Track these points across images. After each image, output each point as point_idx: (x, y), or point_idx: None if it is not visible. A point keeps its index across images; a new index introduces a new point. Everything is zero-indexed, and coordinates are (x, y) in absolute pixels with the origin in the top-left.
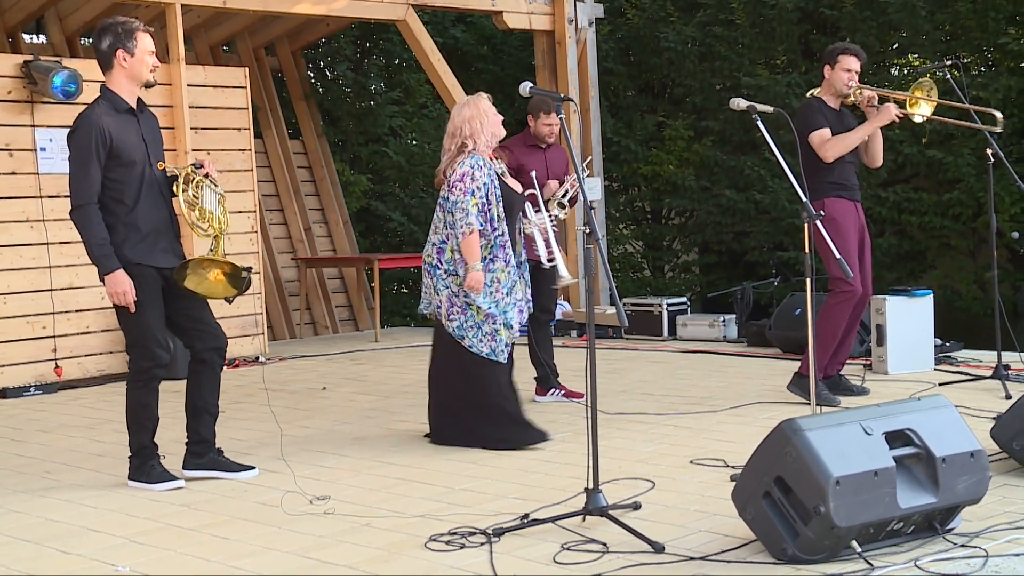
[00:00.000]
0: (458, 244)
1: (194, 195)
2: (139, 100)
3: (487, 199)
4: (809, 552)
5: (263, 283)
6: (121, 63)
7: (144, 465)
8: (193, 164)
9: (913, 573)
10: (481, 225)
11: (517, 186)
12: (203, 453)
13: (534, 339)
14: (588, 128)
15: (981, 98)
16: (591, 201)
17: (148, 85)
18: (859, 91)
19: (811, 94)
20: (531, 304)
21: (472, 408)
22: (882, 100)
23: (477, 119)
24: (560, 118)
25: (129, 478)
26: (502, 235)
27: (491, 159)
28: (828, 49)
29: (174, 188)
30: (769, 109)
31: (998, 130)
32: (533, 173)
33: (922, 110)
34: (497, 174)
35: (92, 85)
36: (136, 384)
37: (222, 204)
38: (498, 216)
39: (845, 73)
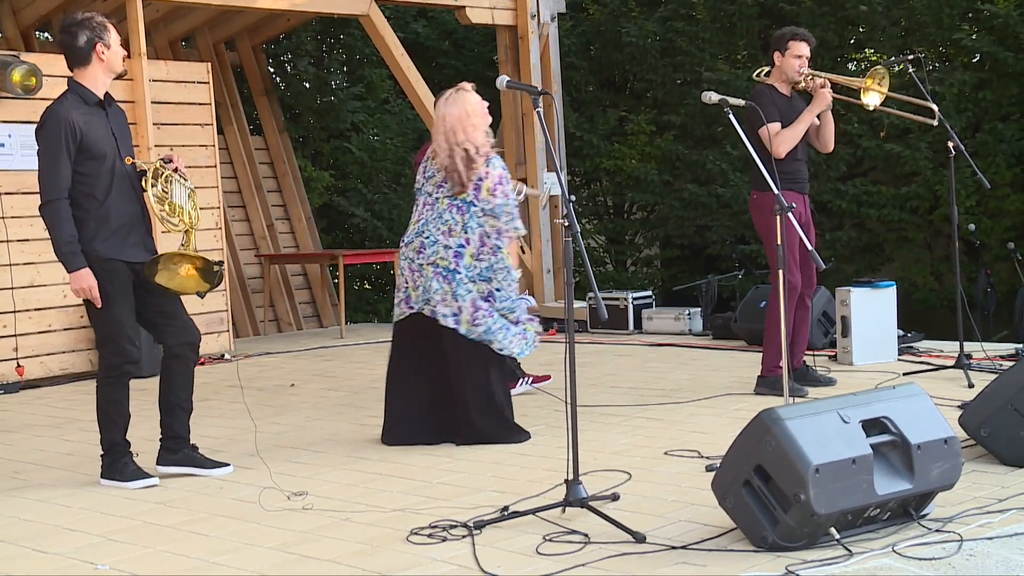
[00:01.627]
0: (499, 251)
1: (163, 190)
2: (107, 94)
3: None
4: (789, 539)
5: (227, 280)
6: (100, 56)
7: (117, 463)
8: (162, 159)
9: (891, 558)
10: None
11: None
12: (177, 449)
13: None
14: (551, 123)
15: (937, 92)
16: (546, 197)
17: (121, 75)
18: (811, 77)
19: (759, 74)
20: None
21: (476, 407)
22: (835, 86)
23: (468, 120)
24: (538, 112)
25: (102, 476)
26: None
27: None
28: (777, 35)
29: (143, 183)
30: (741, 102)
31: (933, 123)
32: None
33: (872, 99)
34: None
35: (51, 80)
36: (107, 381)
37: (192, 199)
38: None
39: (796, 60)
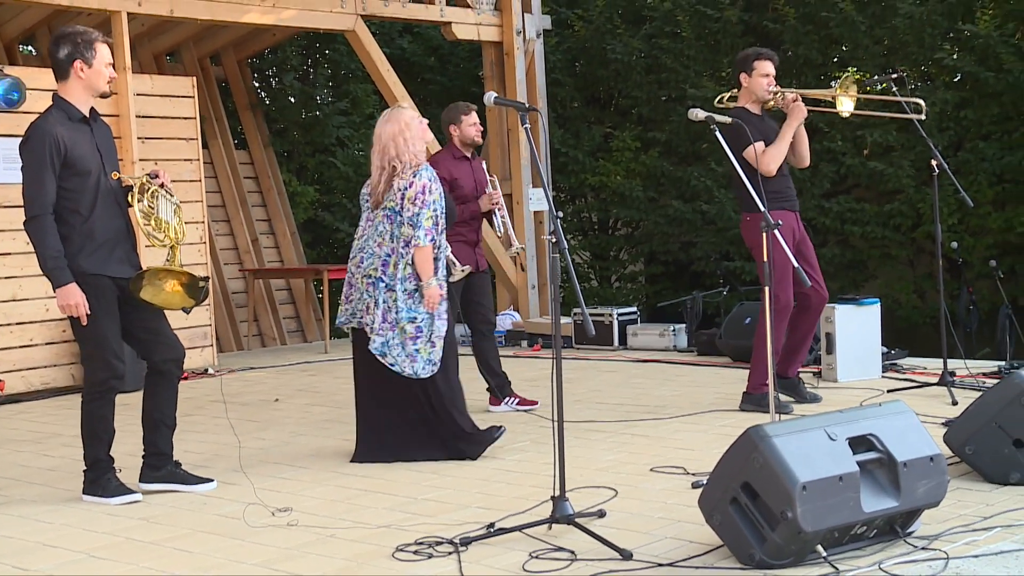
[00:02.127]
0: (410, 259)
1: (149, 205)
2: (92, 109)
3: (439, 212)
4: (776, 557)
5: (211, 295)
6: (78, 73)
7: (100, 479)
8: (148, 174)
9: None
10: (434, 239)
11: None
12: (160, 466)
13: (479, 351)
14: (537, 139)
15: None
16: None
17: (104, 96)
18: (780, 95)
19: (722, 99)
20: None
21: (422, 421)
22: (806, 100)
23: (401, 136)
24: (525, 128)
25: (84, 492)
26: (440, 247)
27: None
28: (740, 56)
29: (129, 198)
30: (727, 120)
31: (922, 116)
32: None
33: (846, 105)
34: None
35: (34, 93)
36: (92, 396)
37: (178, 214)
38: (442, 228)
39: (764, 79)
